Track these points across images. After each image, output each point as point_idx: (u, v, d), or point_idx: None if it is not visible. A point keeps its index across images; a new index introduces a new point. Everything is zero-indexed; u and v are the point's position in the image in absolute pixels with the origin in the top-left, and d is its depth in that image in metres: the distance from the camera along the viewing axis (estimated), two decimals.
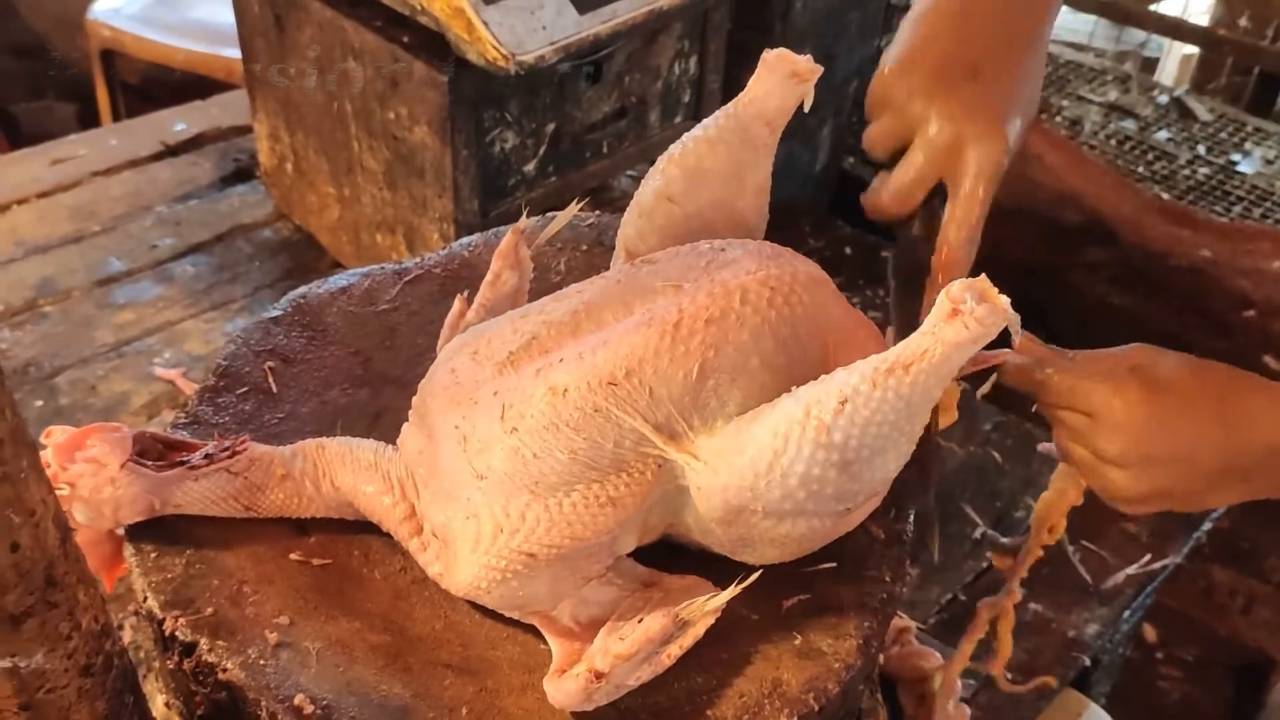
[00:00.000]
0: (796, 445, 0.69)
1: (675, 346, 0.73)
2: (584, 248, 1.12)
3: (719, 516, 0.74)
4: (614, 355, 0.73)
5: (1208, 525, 1.45)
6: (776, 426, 0.70)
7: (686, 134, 0.90)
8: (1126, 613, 1.35)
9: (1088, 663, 1.30)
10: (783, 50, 0.87)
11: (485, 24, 1.36)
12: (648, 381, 0.73)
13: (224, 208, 1.91)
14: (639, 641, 0.71)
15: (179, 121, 2.10)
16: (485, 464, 0.74)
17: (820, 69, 0.87)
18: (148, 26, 2.47)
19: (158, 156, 2.02)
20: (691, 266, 0.80)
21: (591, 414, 0.72)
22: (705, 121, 0.90)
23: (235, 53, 2.22)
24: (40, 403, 1.50)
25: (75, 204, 1.89)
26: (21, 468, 0.57)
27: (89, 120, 2.66)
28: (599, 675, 0.70)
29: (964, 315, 0.66)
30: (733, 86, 1.82)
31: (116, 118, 2.53)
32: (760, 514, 0.73)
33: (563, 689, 0.71)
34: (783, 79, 0.87)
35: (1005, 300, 0.66)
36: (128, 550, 0.80)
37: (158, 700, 0.85)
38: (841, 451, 0.69)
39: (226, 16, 2.36)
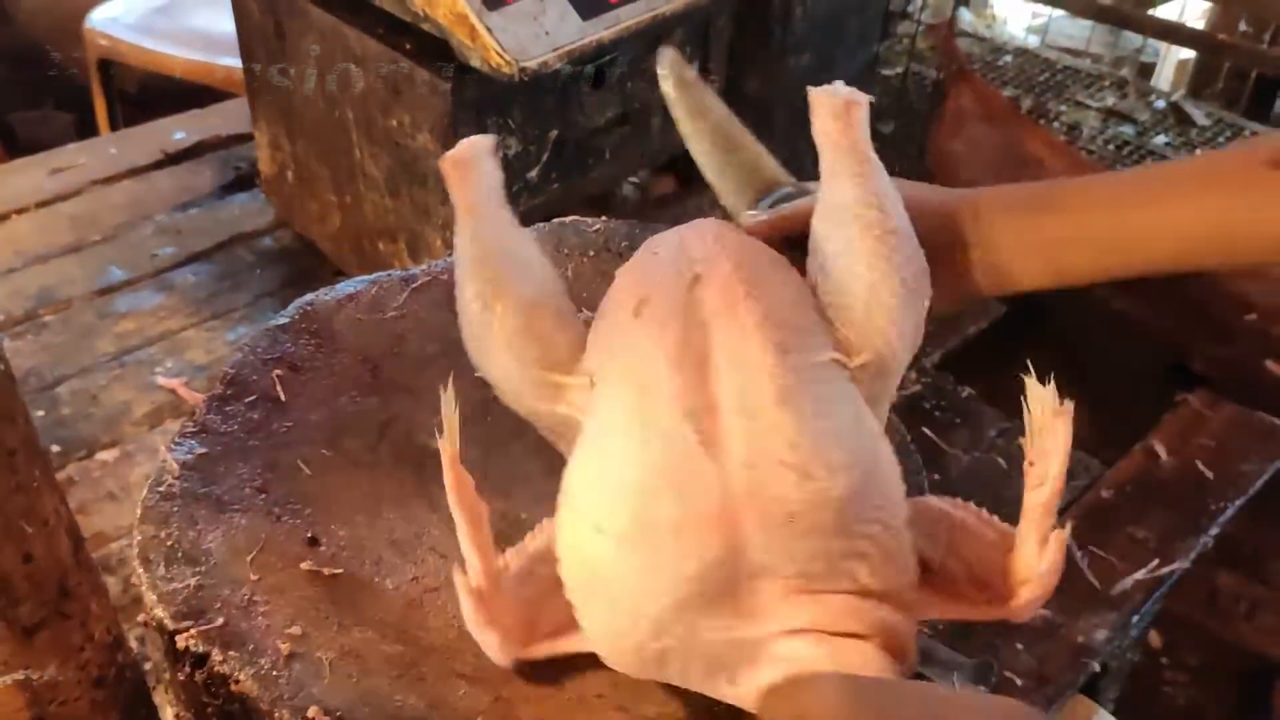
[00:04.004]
0: None
1: None
2: (591, 254, 1.12)
3: None
4: None
5: (1215, 530, 1.45)
6: None
7: None
8: (1135, 618, 1.34)
9: (1097, 668, 1.30)
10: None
11: (488, 30, 1.35)
12: None
13: (224, 216, 1.91)
14: None
15: (178, 130, 2.10)
16: None
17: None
18: (145, 35, 2.46)
19: (158, 165, 2.01)
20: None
21: None
22: None
23: (233, 61, 2.21)
24: (41, 413, 1.49)
25: (75, 213, 1.88)
26: (34, 477, 0.56)
27: (87, 129, 2.65)
28: None
29: None
30: (734, 92, 1.82)
31: (114, 127, 2.52)
32: None
33: None
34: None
35: None
36: (135, 564, 0.79)
37: (167, 712, 0.84)
38: None
39: (224, 25, 2.36)
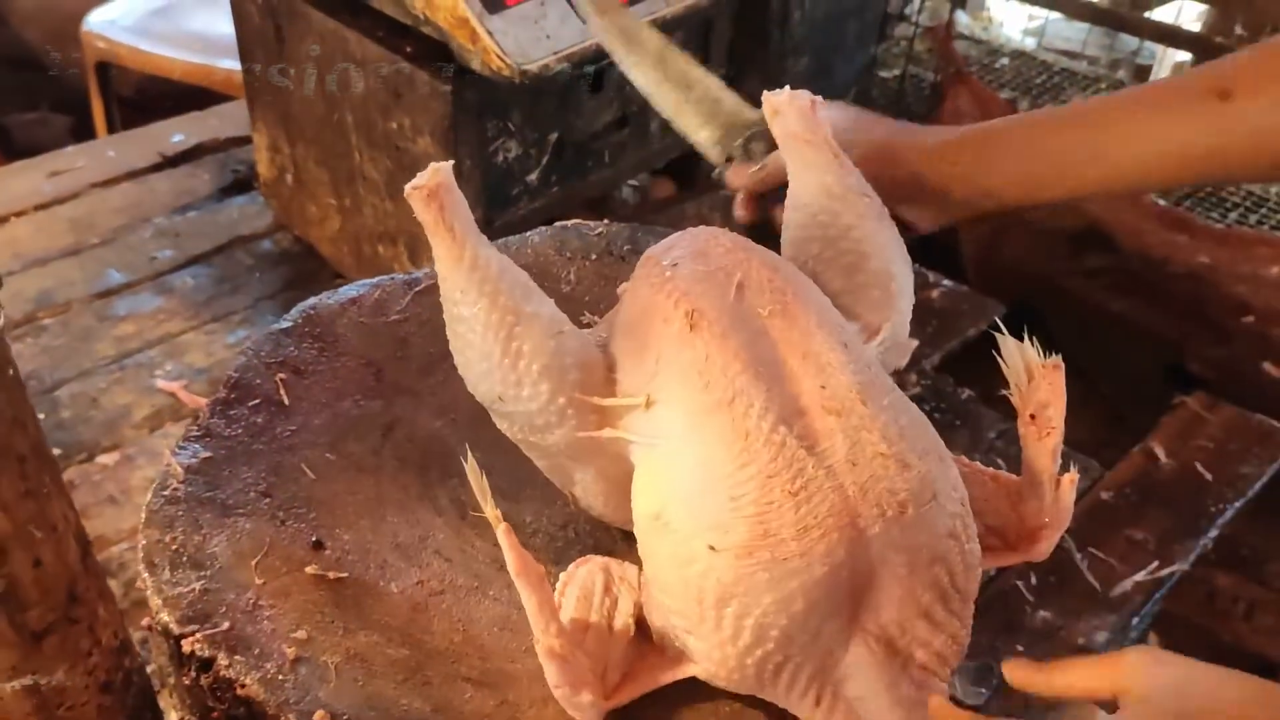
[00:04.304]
0: None
1: None
2: (593, 257, 1.12)
3: None
4: None
5: (1214, 531, 1.45)
6: None
7: None
8: (1135, 619, 1.34)
9: None
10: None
11: (489, 33, 1.35)
12: None
13: (223, 219, 1.90)
14: None
15: (177, 133, 2.10)
16: None
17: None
18: (143, 38, 2.45)
19: (156, 168, 2.01)
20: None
21: None
22: None
23: (231, 64, 2.21)
24: (42, 416, 1.49)
25: (73, 216, 1.88)
26: (44, 483, 0.56)
27: (83, 132, 2.65)
28: None
29: None
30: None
31: (112, 129, 2.51)
32: None
33: None
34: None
35: None
36: (140, 567, 0.79)
37: (172, 717, 0.84)
38: None
39: (222, 28, 2.35)
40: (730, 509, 0.68)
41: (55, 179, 1.95)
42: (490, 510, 0.71)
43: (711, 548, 0.67)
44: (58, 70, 2.78)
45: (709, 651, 0.70)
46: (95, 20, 2.48)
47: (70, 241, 1.82)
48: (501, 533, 0.70)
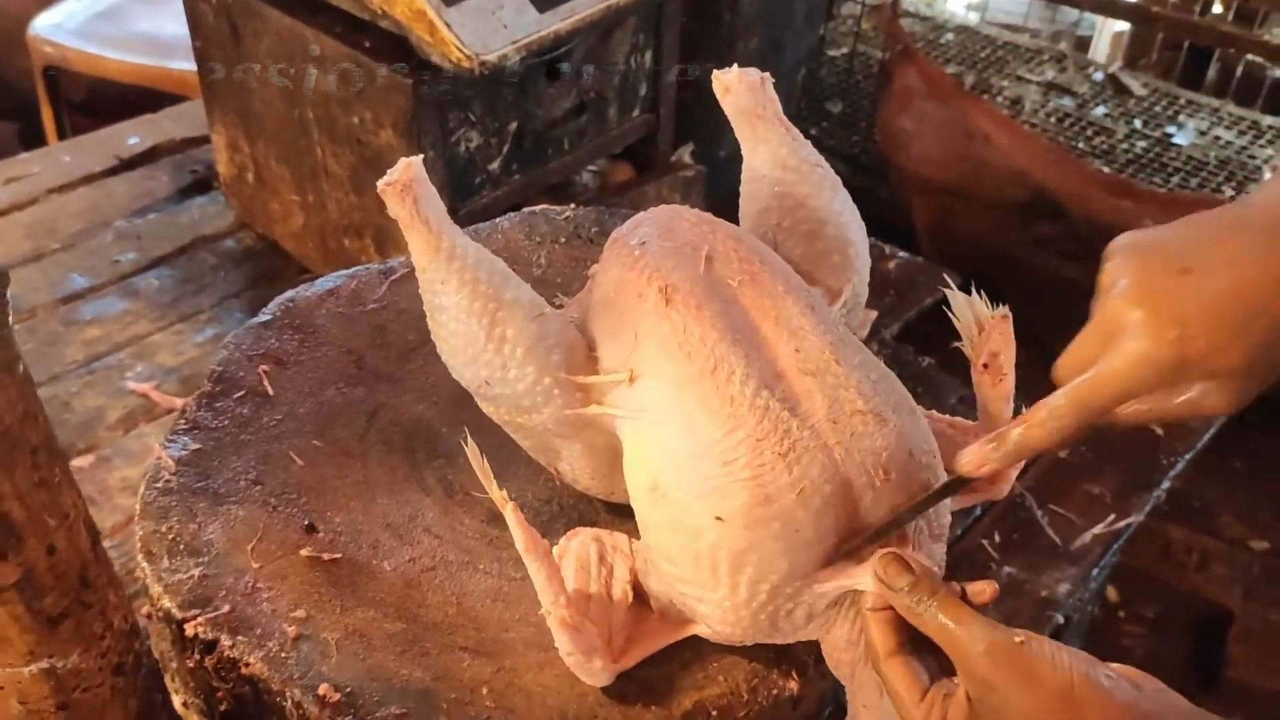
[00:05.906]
0: None
1: None
2: (562, 240, 1.14)
3: None
4: None
5: (1167, 483, 1.51)
6: None
7: None
8: (1095, 571, 1.40)
9: (1061, 621, 1.35)
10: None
11: (447, 25, 1.37)
12: None
13: (184, 220, 1.90)
14: None
15: (132, 135, 2.09)
16: None
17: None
18: (91, 41, 2.43)
19: (113, 171, 2.00)
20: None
21: None
22: None
23: (181, 65, 2.20)
24: None
25: (32, 222, 1.87)
26: (55, 473, 0.59)
27: (31, 138, 2.62)
28: None
29: None
30: (686, 77, 1.85)
31: (62, 135, 2.49)
32: None
33: None
34: None
35: None
36: (139, 557, 0.81)
37: (174, 700, 0.86)
38: None
39: (171, 28, 2.34)
40: (725, 474, 0.71)
41: (11, 186, 1.94)
42: (495, 492, 0.74)
43: (718, 518, 0.70)
44: (2, 77, 2.75)
45: (724, 615, 0.73)
46: (41, 25, 2.45)
47: (30, 248, 1.82)
48: (509, 511, 0.73)
